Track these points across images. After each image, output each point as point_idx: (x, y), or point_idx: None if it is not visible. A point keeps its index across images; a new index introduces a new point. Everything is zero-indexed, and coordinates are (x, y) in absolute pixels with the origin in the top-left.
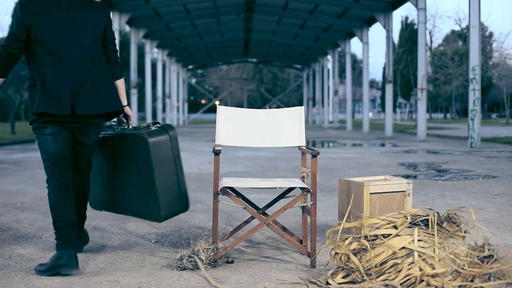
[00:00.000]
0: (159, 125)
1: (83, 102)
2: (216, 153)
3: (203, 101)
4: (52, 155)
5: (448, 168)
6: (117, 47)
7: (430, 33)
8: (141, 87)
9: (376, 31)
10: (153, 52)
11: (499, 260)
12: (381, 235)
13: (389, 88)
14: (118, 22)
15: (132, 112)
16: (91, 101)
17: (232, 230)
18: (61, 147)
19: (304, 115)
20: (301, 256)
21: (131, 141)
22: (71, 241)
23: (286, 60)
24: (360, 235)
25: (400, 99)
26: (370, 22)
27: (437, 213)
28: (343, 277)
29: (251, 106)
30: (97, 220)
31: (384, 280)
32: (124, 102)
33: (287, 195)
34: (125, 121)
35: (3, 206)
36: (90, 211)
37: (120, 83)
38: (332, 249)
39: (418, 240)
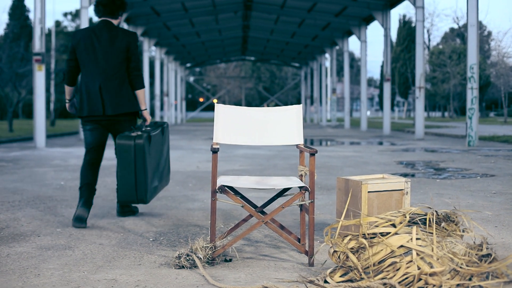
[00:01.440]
0: (139, 132)
1: (107, 105)
2: (214, 151)
3: (201, 99)
4: (88, 144)
5: (446, 166)
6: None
7: (428, 31)
8: None
9: (374, 29)
10: (151, 50)
11: (497, 259)
12: (380, 233)
13: (387, 87)
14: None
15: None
16: (113, 104)
17: (230, 228)
18: (94, 139)
19: (302, 113)
20: (299, 255)
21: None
22: (83, 197)
23: (284, 58)
24: (358, 234)
25: (398, 98)
26: (368, 20)
27: (436, 211)
28: (341, 276)
29: (249, 104)
30: (94, 219)
31: (382, 278)
32: (143, 107)
33: (285, 194)
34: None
35: (1, 204)
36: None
37: (140, 92)
38: (330, 247)
39: (417, 239)
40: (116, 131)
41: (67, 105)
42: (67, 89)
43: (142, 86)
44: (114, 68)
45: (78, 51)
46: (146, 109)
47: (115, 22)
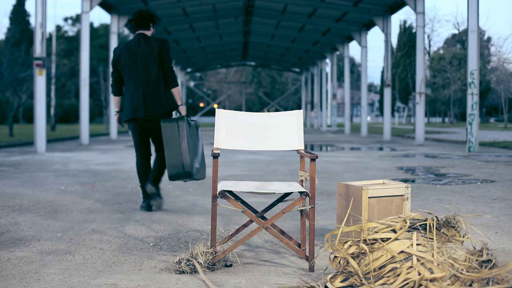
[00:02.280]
0: (179, 116)
1: (149, 106)
2: (215, 156)
3: (201, 104)
4: (135, 143)
5: (446, 172)
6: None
7: (428, 37)
8: None
9: (375, 35)
10: None
11: (498, 264)
12: (380, 239)
13: (387, 92)
14: (116, 25)
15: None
16: (154, 105)
17: (230, 233)
18: (139, 137)
19: (303, 119)
20: (300, 260)
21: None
22: (144, 194)
23: (284, 63)
24: (359, 239)
25: (398, 103)
26: (369, 26)
27: (436, 217)
28: (341, 281)
29: (249, 109)
30: (95, 223)
31: (383, 284)
32: (178, 103)
33: (285, 199)
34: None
35: (1, 208)
36: (89, 214)
37: (174, 90)
38: (331, 253)
39: (417, 244)
40: (153, 128)
41: (115, 117)
42: (116, 100)
43: (176, 85)
44: (153, 73)
45: (120, 64)
46: (181, 105)
47: (148, 33)
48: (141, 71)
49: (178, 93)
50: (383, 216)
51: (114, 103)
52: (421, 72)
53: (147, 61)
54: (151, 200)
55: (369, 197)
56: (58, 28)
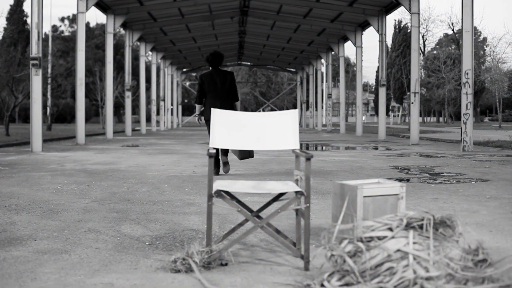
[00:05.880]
0: None
1: None
2: (211, 155)
3: None
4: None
5: (440, 171)
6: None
7: (423, 37)
8: (135, 89)
9: (370, 35)
10: (147, 55)
11: (493, 264)
12: (377, 237)
13: (382, 92)
14: (112, 25)
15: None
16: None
17: (226, 232)
18: None
19: (298, 118)
20: (295, 259)
21: None
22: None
23: (280, 63)
24: (355, 237)
25: (393, 103)
26: (364, 26)
27: (432, 216)
28: (338, 280)
29: (245, 109)
30: (91, 223)
31: (379, 282)
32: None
33: (281, 198)
34: None
35: None
36: (85, 213)
37: (237, 103)
38: (327, 251)
39: (413, 243)
40: None
41: (197, 117)
42: (198, 107)
43: (238, 100)
44: (225, 93)
45: (205, 85)
46: None
47: (220, 67)
48: (219, 91)
49: (239, 105)
50: (378, 215)
51: (197, 108)
52: (416, 72)
53: (223, 85)
54: (223, 168)
55: (364, 196)
56: (55, 28)
